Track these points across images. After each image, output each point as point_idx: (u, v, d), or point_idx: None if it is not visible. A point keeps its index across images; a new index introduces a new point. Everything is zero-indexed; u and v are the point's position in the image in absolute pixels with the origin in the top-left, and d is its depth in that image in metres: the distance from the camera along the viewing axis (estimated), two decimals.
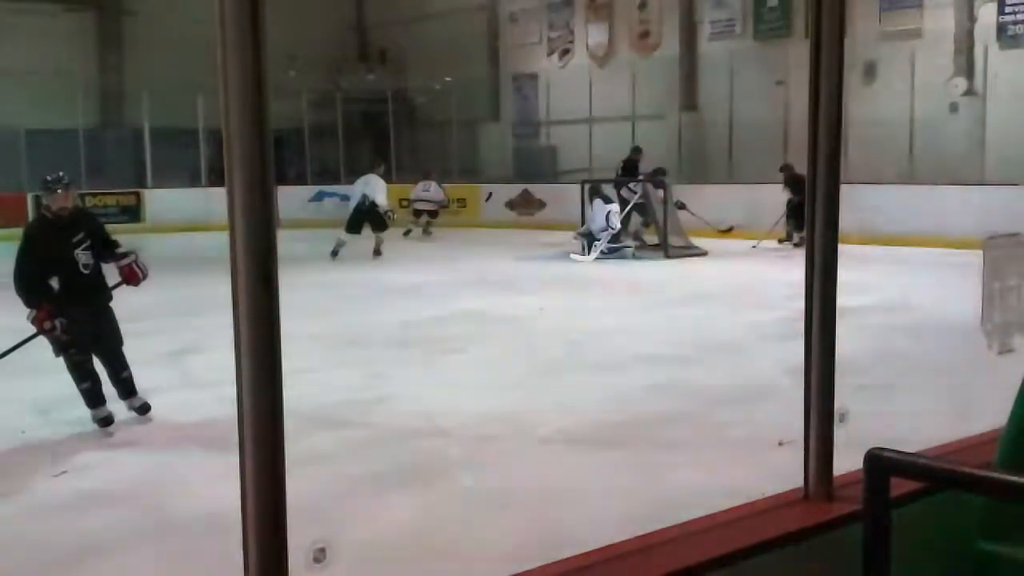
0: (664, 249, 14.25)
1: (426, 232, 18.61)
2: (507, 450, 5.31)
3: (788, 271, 10.81)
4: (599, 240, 14.17)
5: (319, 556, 1.44)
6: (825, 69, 1.85)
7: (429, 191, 18.91)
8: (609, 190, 14.98)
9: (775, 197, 15.03)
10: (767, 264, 13.10)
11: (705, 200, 15.81)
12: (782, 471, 2.80)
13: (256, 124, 1.26)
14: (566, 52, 22.00)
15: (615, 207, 14.44)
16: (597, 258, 14.02)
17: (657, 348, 7.83)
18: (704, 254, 14.32)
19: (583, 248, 14.32)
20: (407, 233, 18.04)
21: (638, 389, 6.50)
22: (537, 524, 4.16)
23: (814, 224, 1.86)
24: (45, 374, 7.05)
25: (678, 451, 5.19)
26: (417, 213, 18.74)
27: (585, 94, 20.20)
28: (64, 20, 21.59)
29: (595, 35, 21.42)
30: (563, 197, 18.19)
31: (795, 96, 16.60)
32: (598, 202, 14.49)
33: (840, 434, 2.03)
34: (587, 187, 15.11)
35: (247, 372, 1.32)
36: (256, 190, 1.28)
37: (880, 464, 1.54)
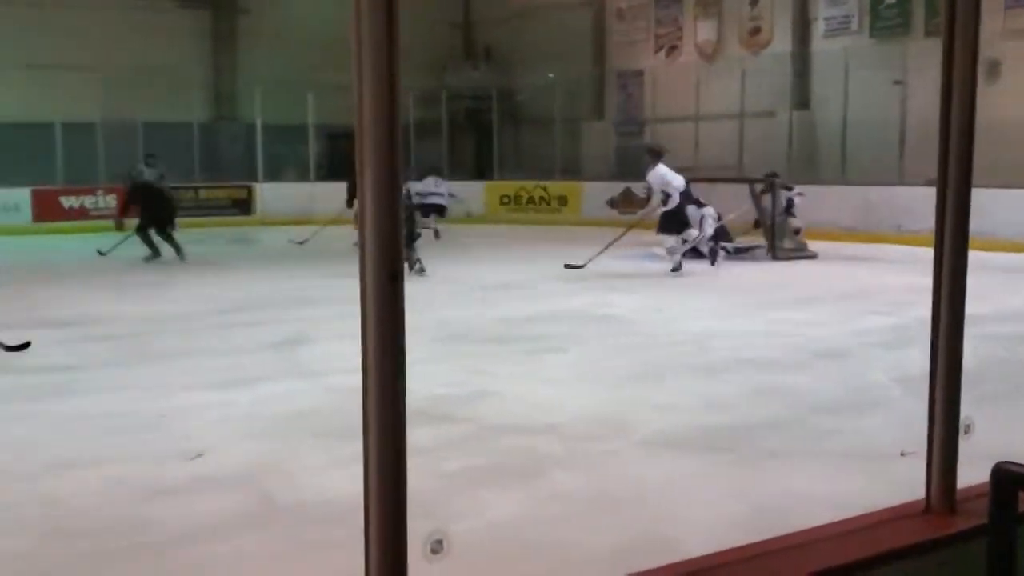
0: (772, 251, 14.01)
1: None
2: (608, 451, 5.28)
3: (904, 276, 10.61)
4: (688, 242, 14.09)
5: (436, 547, 1.45)
6: (959, 69, 1.79)
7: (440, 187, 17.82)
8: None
9: (888, 199, 14.64)
10: (882, 268, 12.77)
11: (815, 201, 15.49)
12: (893, 482, 2.73)
13: (388, 124, 1.28)
14: (673, 49, 21.79)
15: (709, 211, 14.26)
16: (684, 258, 13.88)
17: (762, 352, 7.69)
18: (814, 256, 14.03)
19: (676, 248, 14.20)
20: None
21: (742, 394, 6.40)
22: (639, 527, 4.13)
23: (943, 228, 1.80)
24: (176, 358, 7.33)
25: (784, 459, 5.09)
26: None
27: (692, 91, 19.97)
28: (181, 17, 22.34)
29: (704, 31, 21.17)
30: None
31: (913, 96, 16.15)
32: (692, 208, 14.33)
33: (961, 446, 1.97)
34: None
35: (373, 364, 1.34)
36: (386, 189, 1.30)
37: (1007, 478, 1.49)
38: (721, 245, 14.21)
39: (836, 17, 18.78)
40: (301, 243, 16.56)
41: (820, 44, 18.99)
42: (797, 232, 14.53)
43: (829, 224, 15.46)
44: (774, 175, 14.85)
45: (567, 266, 12.46)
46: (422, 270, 12.25)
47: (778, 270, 13.14)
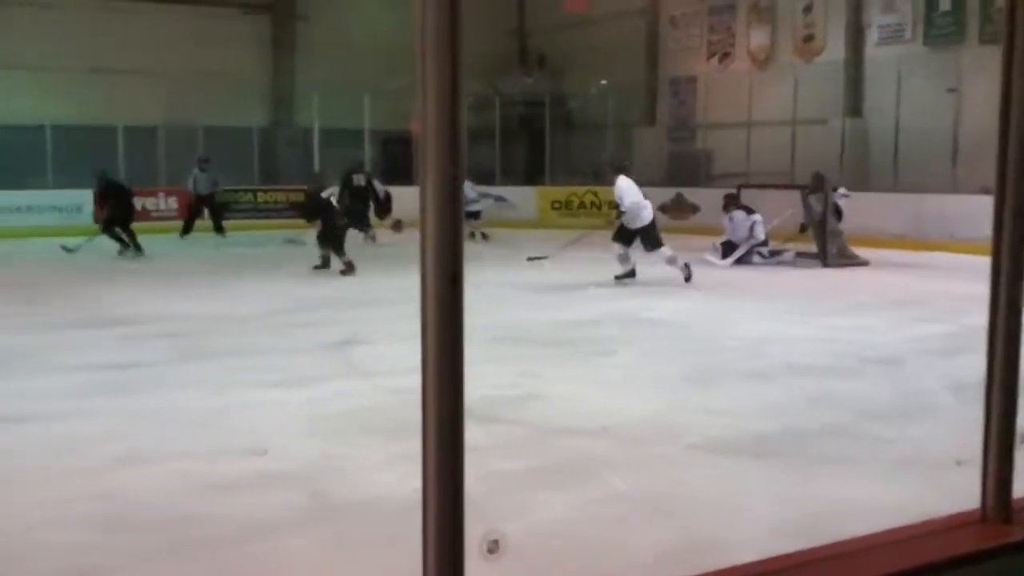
0: (822, 258, 13.88)
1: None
2: (657, 454, 5.29)
3: (957, 284, 10.46)
4: (739, 248, 14.03)
5: (493, 547, 1.48)
6: (1018, 74, 1.78)
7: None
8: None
9: (941, 207, 14.41)
10: (934, 276, 12.60)
11: (867, 208, 15.34)
12: (947, 491, 2.71)
13: (450, 129, 1.31)
14: (726, 55, 21.68)
15: (759, 217, 14.19)
16: (735, 264, 13.83)
17: (813, 358, 7.64)
18: (866, 264, 13.87)
19: (720, 253, 14.15)
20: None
21: (792, 399, 6.37)
22: (688, 531, 4.14)
23: (1001, 235, 1.80)
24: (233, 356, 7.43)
25: (834, 465, 5.06)
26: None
27: (744, 98, 19.86)
28: (241, 24, 22.66)
29: (757, 38, 21.03)
30: (717, 202, 17.94)
31: (967, 104, 15.92)
32: (740, 213, 14.27)
33: (1017, 456, 1.96)
34: (724, 197, 14.92)
35: (432, 367, 1.37)
36: (446, 192, 1.33)
37: None
38: (756, 250, 14.14)
39: (890, 25, 18.55)
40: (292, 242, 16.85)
41: (873, 52, 18.77)
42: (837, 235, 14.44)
43: (880, 231, 15.29)
44: (821, 176, 14.70)
45: (529, 259, 12.60)
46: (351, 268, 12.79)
47: (830, 277, 13.02)
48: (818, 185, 14.31)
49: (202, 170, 18.11)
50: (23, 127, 19.31)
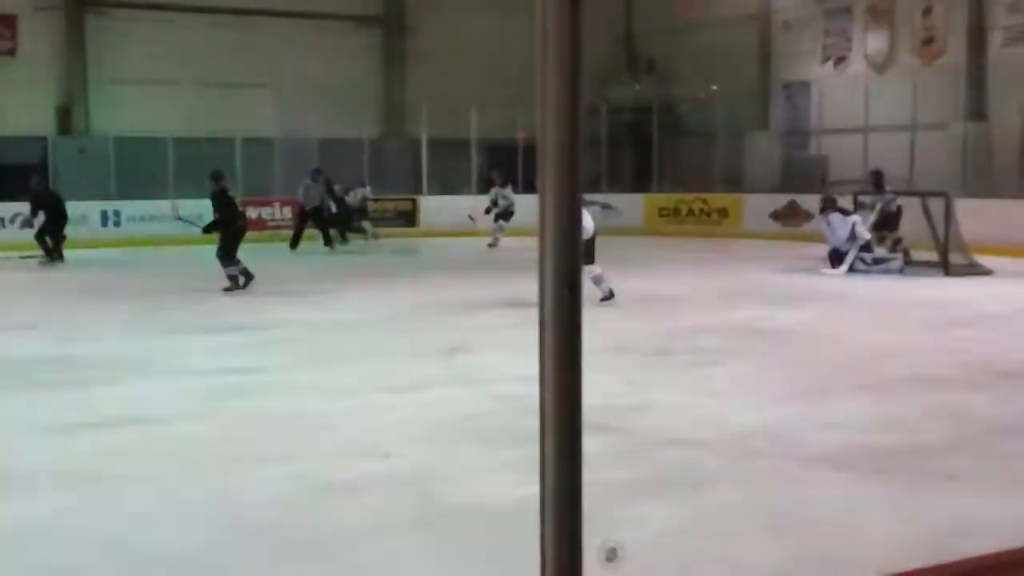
0: (944, 266, 13.40)
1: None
2: (771, 467, 5.19)
3: None
4: (847, 254, 13.64)
5: (611, 555, 1.47)
6: None
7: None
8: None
9: None
10: None
11: (990, 215, 14.77)
12: None
13: (570, 137, 1.31)
14: (842, 59, 21.18)
15: (857, 218, 13.80)
16: (848, 272, 13.47)
17: (935, 370, 7.39)
18: (990, 273, 13.35)
19: (832, 262, 13.80)
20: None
21: (915, 413, 6.17)
22: (803, 546, 4.05)
23: None
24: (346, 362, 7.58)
25: (960, 482, 4.88)
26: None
27: (860, 102, 19.37)
28: (354, 37, 23.16)
29: (874, 42, 20.48)
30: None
31: None
32: (836, 216, 13.88)
33: None
34: (820, 202, 14.63)
35: (551, 374, 1.37)
36: (566, 200, 1.33)
37: None
38: (859, 256, 13.74)
39: (1015, 26, 17.85)
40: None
41: (998, 54, 18.08)
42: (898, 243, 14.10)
43: (1005, 240, 14.68)
44: (879, 172, 14.48)
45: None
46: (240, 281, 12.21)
47: (952, 286, 12.56)
48: (878, 181, 14.33)
49: (314, 180, 18.52)
50: (147, 138, 20.13)
